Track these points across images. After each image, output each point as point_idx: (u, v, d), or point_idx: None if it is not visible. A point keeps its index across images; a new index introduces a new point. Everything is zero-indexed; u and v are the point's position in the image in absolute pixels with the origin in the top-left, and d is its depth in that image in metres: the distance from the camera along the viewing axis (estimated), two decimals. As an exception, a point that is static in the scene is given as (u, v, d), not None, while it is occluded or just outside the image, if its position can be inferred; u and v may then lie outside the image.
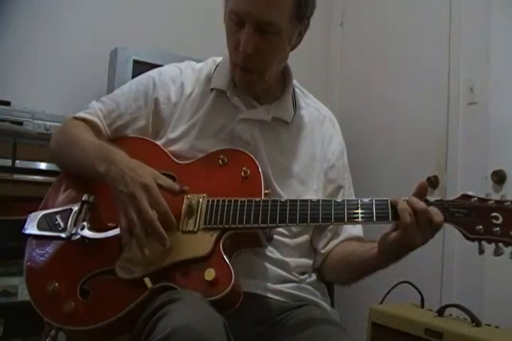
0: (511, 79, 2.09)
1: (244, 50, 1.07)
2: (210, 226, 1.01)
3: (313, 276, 1.20)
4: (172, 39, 2.34)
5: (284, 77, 1.24)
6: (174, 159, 1.14)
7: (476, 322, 1.52)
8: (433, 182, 2.29)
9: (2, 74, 2.06)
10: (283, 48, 1.13)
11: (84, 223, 1.06)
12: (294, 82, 1.26)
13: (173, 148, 1.16)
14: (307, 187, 1.18)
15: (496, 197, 0.97)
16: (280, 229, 1.13)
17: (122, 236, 0.98)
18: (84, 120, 1.21)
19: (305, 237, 1.19)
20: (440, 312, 1.62)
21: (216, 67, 1.24)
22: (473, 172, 2.16)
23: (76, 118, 1.22)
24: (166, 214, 0.99)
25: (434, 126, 2.36)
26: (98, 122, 1.20)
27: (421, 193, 0.98)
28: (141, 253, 0.97)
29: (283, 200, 1.01)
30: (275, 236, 1.12)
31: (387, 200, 0.98)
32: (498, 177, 2.05)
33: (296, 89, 1.28)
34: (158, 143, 1.18)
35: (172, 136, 1.17)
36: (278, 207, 1.00)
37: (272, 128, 1.19)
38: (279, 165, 1.17)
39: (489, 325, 1.54)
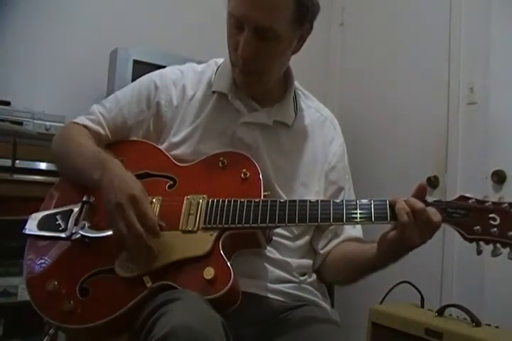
0: (511, 79, 2.09)
1: (243, 55, 1.07)
2: (209, 225, 1.01)
3: (314, 276, 1.20)
4: (172, 39, 2.34)
5: (286, 80, 1.24)
6: (174, 161, 1.14)
7: (476, 322, 1.52)
8: (433, 182, 2.30)
9: (2, 74, 2.06)
10: (283, 52, 1.12)
11: (85, 222, 1.07)
12: (295, 83, 1.26)
13: (176, 152, 1.16)
14: (309, 189, 1.19)
15: (495, 197, 0.98)
16: (282, 231, 1.13)
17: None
18: (86, 127, 1.20)
19: (306, 239, 1.19)
20: (440, 312, 1.63)
21: (217, 69, 1.24)
22: (473, 172, 2.16)
23: (77, 124, 1.22)
24: (152, 227, 0.98)
25: (434, 126, 2.36)
26: (100, 129, 1.20)
27: (420, 194, 0.98)
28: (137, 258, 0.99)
29: (282, 201, 1.02)
30: (277, 238, 1.12)
31: (385, 201, 0.99)
32: (498, 177, 2.05)
33: (298, 91, 1.28)
34: (161, 147, 1.18)
35: (174, 140, 1.17)
36: (277, 207, 1.01)
37: (273, 131, 1.19)
38: (280, 167, 1.17)
39: (489, 325, 1.54)
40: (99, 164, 1.06)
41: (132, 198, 0.97)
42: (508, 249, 0.94)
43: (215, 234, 1.00)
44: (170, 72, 1.26)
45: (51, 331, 1.03)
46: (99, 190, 1.03)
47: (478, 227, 0.95)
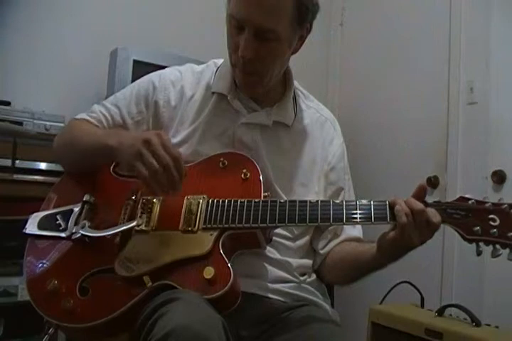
0: (511, 79, 2.09)
1: (243, 55, 1.07)
2: (209, 225, 1.02)
3: (314, 276, 1.20)
4: (172, 39, 2.34)
5: (285, 80, 1.24)
6: None
7: (476, 322, 1.52)
8: (433, 182, 2.29)
9: (2, 74, 2.06)
10: (283, 53, 1.12)
11: (85, 222, 1.07)
12: (295, 83, 1.26)
13: None
14: (308, 189, 1.19)
15: (494, 197, 0.98)
16: (282, 231, 1.14)
17: (148, 186, 0.98)
18: (86, 121, 1.21)
19: (306, 239, 1.19)
20: (440, 312, 1.63)
21: (217, 69, 1.24)
22: (473, 172, 2.16)
23: (78, 119, 1.23)
24: (177, 159, 0.98)
25: (434, 126, 2.36)
26: (100, 127, 1.21)
27: (420, 194, 0.98)
28: (168, 194, 1.01)
29: (282, 201, 1.02)
30: (276, 238, 1.12)
31: (385, 201, 0.99)
32: (498, 177, 2.05)
33: (297, 91, 1.28)
34: None
35: (174, 141, 1.17)
36: (277, 208, 1.01)
37: (272, 132, 1.19)
38: (280, 168, 1.17)
39: (489, 325, 1.54)
40: (113, 133, 1.08)
41: (158, 134, 0.99)
42: (507, 250, 0.94)
43: (215, 233, 1.00)
44: (169, 73, 1.26)
45: (51, 330, 1.03)
46: (118, 155, 1.02)
47: (478, 228, 0.95)
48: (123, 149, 1.01)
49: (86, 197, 1.11)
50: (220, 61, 1.26)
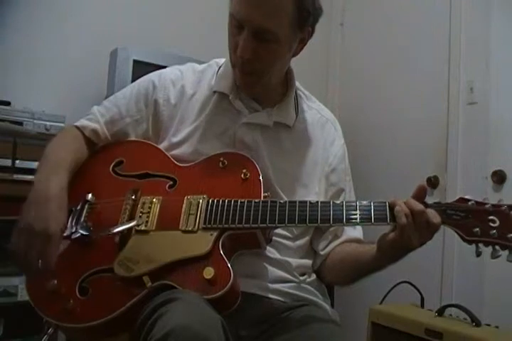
0: (511, 79, 2.09)
1: (241, 55, 1.08)
2: (209, 225, 1.02)
3: (313, 276, 1.20)
4: (172, 39, 2.34)
5: (287, 81, 1.24)
6: (175, 162, 1.15)
7: (476, 322, 1.52)
8: (433, 182, 2.29)
9: (2, 74, 2.06)
10: (282, 55, 1.12)
11: (85, 221, 1.07)
12: (297, 84, 1.26)
13: (176, 151, 1.16)
14: (309, 190, 1.19)
15: (494, 197, 0.98)
16: (282, 231, 1.14)
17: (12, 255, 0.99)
18: (83, 127, 1.21)
19: (306, 239, 1.19)
20: (440, 312, 1.63)
21: (218, 69, 1.24)
22: (473, 172, 2.16)
23: (76, 126, 1.22)
24: (46, 269, 0.98)
25: (434, 126, 2.36)
26: (98, 127, 1.21)
27: (420, 195, 0.98)
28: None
29: (282, 202, 1.02)
30: (276, 238, 1.12)
31: (385, 202, 0.99)
32: (498, 177, 2.05)
33: (299, 92, 1.28)
34: (161, 146, 1.18)
35: (175, 139, 1.18)
36: (277, 208, 1.01)
37: (273, 132, 1.19)
38: (280, 169, 1.17)
39: (489, 325, 1.54)
40: (43, 189, 1.05)
41: (46, 237, 0.98)
42: (507, 251, 0.94)
43: (215, 234, 1.00)
44: (169, 72, 1.26)
45: (50, 330, 1.03)
46: (25, 207, 1.03)
47: (478, 229, 0.95)
48: (25, 213, 1.01)
49: (88, 197, 1.10)
50: (222, 60, 1.26)
